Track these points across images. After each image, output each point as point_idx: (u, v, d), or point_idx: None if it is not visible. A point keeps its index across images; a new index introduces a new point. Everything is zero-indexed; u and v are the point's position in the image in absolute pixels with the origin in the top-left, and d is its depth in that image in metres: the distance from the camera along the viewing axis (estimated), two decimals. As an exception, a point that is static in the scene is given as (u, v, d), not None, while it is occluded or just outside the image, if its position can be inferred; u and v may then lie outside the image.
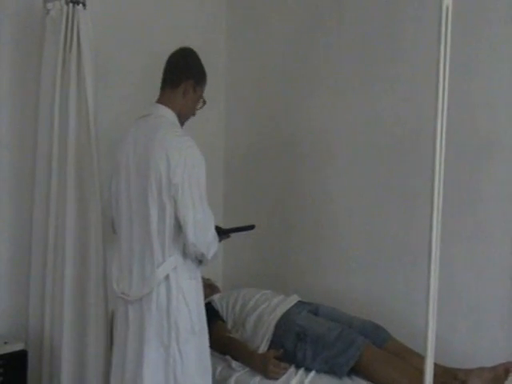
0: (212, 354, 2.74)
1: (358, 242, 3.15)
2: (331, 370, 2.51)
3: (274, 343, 2.68)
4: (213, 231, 2.27)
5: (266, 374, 2.52)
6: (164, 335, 2.20)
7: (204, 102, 2.47)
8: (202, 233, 2.20)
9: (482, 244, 2.72)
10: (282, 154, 3.48)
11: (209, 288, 3.20)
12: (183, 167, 2.15)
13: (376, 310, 2.99)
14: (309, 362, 2.57)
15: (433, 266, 1.68)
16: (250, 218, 3.58)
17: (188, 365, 2.22)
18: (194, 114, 2.47)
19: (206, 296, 3.04)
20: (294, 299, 2.91)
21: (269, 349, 2.67)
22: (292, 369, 2.57)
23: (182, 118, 2.40)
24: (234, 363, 2.65)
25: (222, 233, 2.44)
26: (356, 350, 2.47)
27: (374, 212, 3.08)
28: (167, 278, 2.20)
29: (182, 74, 2.36)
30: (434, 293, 1.68)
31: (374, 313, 2.91)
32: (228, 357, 2.70)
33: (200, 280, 2.37)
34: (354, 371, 2.49)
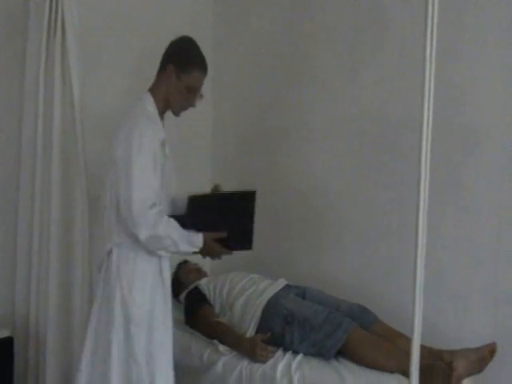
0: (199, 338, 2.77)
1: (346, 226, 3.16)
2: (318, 353, 2.52)
3: (262, 327, 2.69)
4: (139, 207, 2.13)
5: (253, 358, 2.53)
6: None
7: (200, 96, 2.35)
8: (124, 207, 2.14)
9: (467, 229, 2.75)
10: (269, 141, 3.48)
11: (196, 272, 3.20)
12: (120, 149, 2.17)
13: (363, 293, 3.00)
14: (296, 345, 2.58)
15: (419, 250, 1.69)
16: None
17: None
18: (192, 105, 2.35)
19: (193, 280, 3.08)
20: (281, 283, 2.92)
21: (256, 332, 2.68)
22: (279, 352, 2.58)
23: (170, 107, 2.33)
24: (222, 347, 2.65)
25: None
26: (343, 333, 2.48)
27: (363, 197, 3.09)
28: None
29: (165, 59, 2.32)
30: (421, 276, 1.70)
31: (361, 296, 2.93)
32: (215, 341, 2.70)
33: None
34: (342, 354, 2.51)
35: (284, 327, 2.62)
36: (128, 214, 2.12)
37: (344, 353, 2.50)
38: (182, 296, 3.01)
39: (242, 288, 2.92)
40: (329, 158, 3.22)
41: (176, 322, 2.90)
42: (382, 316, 2.72)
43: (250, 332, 2.69)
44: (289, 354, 2.56)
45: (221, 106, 3.75)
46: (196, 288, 3.01)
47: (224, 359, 2.60)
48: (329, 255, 3.23)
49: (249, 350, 2.56)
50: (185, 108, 2.35)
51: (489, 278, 2.69)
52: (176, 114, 2.36)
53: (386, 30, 2.93)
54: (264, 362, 2.51)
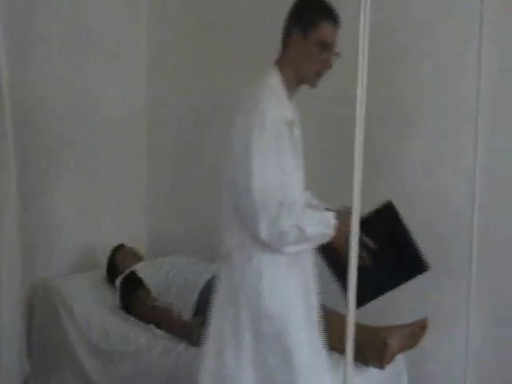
0: (136, 324, 2.73)
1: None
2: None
3: (199, 310, 2.67)
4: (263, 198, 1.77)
5: (190, 342, 2.50)
6: None
7: (336, 54, 1.93)
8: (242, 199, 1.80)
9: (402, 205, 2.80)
10: (205, 120, 3.43)
11: (132, 257, 3.15)
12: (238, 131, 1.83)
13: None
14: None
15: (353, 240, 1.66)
16: (176, 185, 3.54)
17: None
18: (327, 66, 1.93)
19: (129, 265, 3.03)
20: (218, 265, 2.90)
21: (194, 316, 2.66)
22: (217, 335, 2.58)
23: (302, 79, 1.95)
24: (159, 332, 2.63)
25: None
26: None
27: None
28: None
29: (287, 25, 1.95)
30: (355, 260, 1.67)
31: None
32: (152, 325, 2.67)
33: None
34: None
35: (222, 309, 2.61)
36: (246, 207, 1.79)
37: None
38: (118, 281, 2.96)
39: (179, 271, 2.90)
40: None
41: (112, 308, 2.88)
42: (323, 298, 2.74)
43: (188, 316, 2.68)
44: (227, 336, 2.55)
45: (156, 83, 3.64)
46: (132, 273, 2.96)
47: (161, 343, 2.57)
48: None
49: (186, 333, 2.54)
50: (320, 73, 1.94)
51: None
52: (312, 83, 1.96)
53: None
54: (201, 345, 2.50)
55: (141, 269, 2.98)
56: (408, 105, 2.76)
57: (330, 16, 1.93)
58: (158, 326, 2.66)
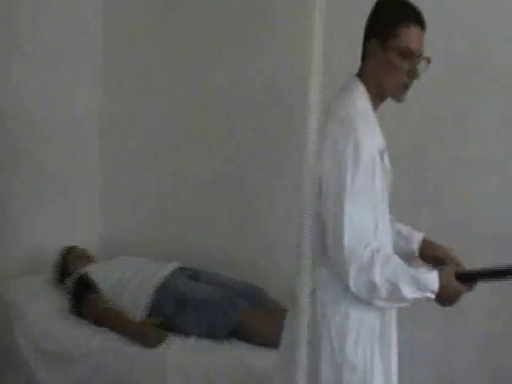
0: (87, 327, 2.67)
1: (239, 204, 3.16)
2: (211, 335, 2.52)
3: (154, 311, 2.64)
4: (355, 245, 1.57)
5: (144, 343, 2.47)
6: None
7: (425, 60, 1.71)
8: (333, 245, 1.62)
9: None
10: (158, 119, 3.39)
11: (84, 258, 3.07)
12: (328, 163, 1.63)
13: (256, 272, 3.01)
14: (189, 328, 2.55)
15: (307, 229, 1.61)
16: (128, 184, 3.47)
17: None
18: (413, 76, 1.70)
19: (81, 266, 2.95)
20: (173, 265, 2.87)
21: (148, 317, 2.62)
22: (171, 336, 2.53)
23: (385, 92, 1.74)
24: (111, 334, 2.57)
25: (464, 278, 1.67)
26: (235, 313, 2.49)
27: (241, 171, 3.11)
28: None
29: (366, 35, 1.75)
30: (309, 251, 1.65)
31: (254, 275, 2.94)
32: (105, 328, 2.61)
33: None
34: (234, 335, 2.51)
35: (176, 310, 2.58)
36: (337, 254, 1.60)
37: (237, 333, 2.51)
38: (69, 283, 2.88)
39: (133, 272, 2.84)
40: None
41: (63, 311, 2.80)
42: (275, 294, 2.73)
43: (141, 317, 2.63)
44: (181, 338, 2.53)
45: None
46: (84, 275, 2.89)
47: (114, 346, 2.51)
48: (222, 235, 3.20)
49: (139, 335, 2.50)
50: (405, 85, 1.70)
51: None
52: (398, 98, 1.74)
53: None
54: (155, 346, 2.46)
55: (93, 270, 2.91)
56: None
57: (410, 17, 1.68)
58: (111, 328, 2.60)
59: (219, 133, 3.18)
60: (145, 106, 3.39)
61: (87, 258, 3.10)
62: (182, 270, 2.86)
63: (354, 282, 1.57)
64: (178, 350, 2.43)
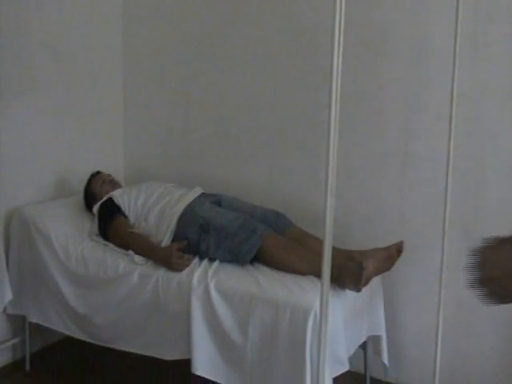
0: (114, 250, 2.72)
1: (259, 132, 3.14)
2: (234, 259, 2.55)
3: (178, 236, 2.67)
4: None
5: (169, 267, 2.51)
6: None
7: None
8: None
9: (377, 135, 2.81)
10: (183, 48, 3.33)
11: (109, 183, 3.10)
12: None
13: (278, 198, 3.03)
14: (212, 252, 2.58)
15: (331, 155, 1.69)
16: (151, 111, 3.47)
17: None
18: None
19: (106, 192, 2.99)
20: (197, 191, 2.89)
21: (172, 241, 2.66)
22: (196, 260, 2.58)
23: None
24: (137, 257, 2.61)
25: None
26: (258, 239, 2.51)
27: (275, 104, 3.07)
28: None
29: None
30: (333, 180, 1.70)
31: (275, 201, 2.96)
32: (130, 251, 2.66)
33: None
34: (257, 259, 2.55)
35: (200, 235, 2.61)
36: None
37: (259, 258, 2.54)
38: (96, 207, 2.92)
39: (158, 197, 2.87)
40: (242, 68, 3.14)
41: (91, 235, 2.86)
42: (296, 220, 2.76)
43: (166, 241, 2.67)
44: (205, 262, 2.57)
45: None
46: (110, 199, 2.92)
47: (140, 269, 2.56)
48: (243, 162, 3.21)
49: (164, 258, 2.54)
50: None
51: (397, 182, 2.78)
52: None
53: None
54: (180, 270, 2.50)
55: (118, 195, 2.94)
56: None
57: None
58: (137, 251, 2.65)
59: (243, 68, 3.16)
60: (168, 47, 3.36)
61: (113, 183, 3.12)
62: (204, 195, 2.88)
63: None
64: (202, 273, 2.46)
